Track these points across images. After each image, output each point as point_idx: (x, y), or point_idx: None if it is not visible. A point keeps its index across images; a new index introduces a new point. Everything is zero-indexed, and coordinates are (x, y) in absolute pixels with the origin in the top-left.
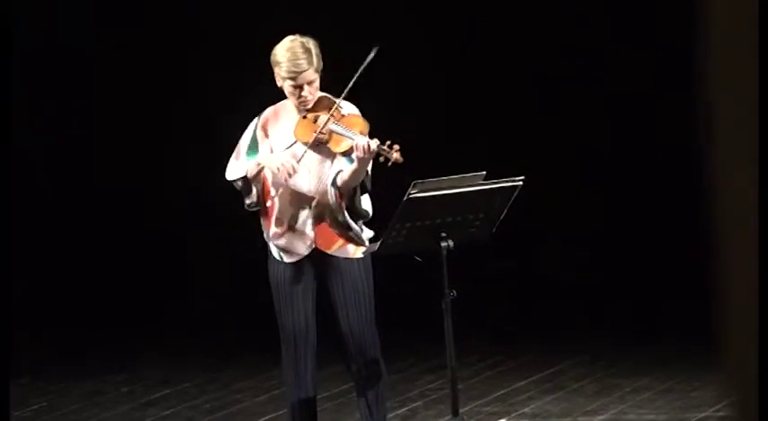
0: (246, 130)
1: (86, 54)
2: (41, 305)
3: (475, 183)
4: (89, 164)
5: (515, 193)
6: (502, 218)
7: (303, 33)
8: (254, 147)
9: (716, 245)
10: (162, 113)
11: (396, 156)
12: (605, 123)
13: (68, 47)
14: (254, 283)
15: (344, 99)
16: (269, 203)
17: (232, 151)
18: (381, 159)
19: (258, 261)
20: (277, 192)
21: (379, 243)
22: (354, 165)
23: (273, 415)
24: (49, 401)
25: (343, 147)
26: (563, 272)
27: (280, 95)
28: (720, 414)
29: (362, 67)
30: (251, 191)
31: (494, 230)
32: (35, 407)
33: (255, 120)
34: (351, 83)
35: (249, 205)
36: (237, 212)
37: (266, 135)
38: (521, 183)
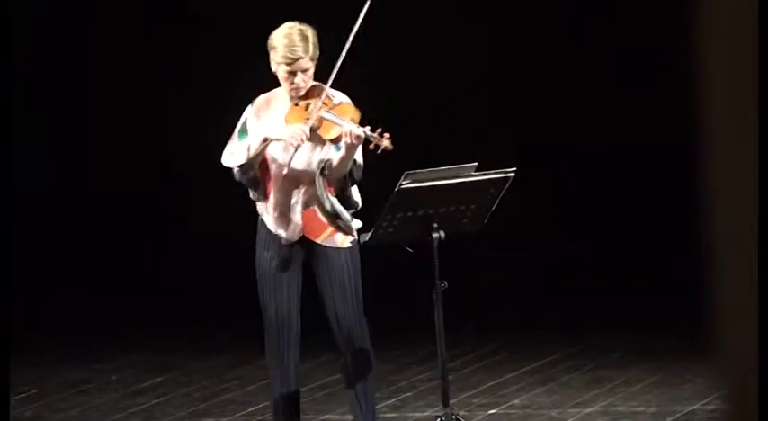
0: (240, 118)
1: (85, 52)
2: (31, 292)
3: (467, 175)
4: (88, 163)
5: (507, 185)
6: (493, 209)
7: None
8: (245, 133)
9: (711, 239)
10: (160, 112)
11: (386, 143)
12: (602, 120)
13: (67, 45)
14: (245, 273)
15: (335, 87)
16: (265, 184)
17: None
18: (371, 146)
19: (251, 250)
20: (272, 175)
21: (370, 233)
22: (342, 151)
23: (264, 404)
24: (37, 389)
25: (333, 133)
26: (553, 263)
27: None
28: (710, 407)
29: (346, 49)
30: (249, 172)
31: (485, 222)
32: (23, 395)
33: (249, 107)
34: (338, 63)
35: (251, 188)
36: (235, 207)
37: (259, 121)
38: (513, 174)
